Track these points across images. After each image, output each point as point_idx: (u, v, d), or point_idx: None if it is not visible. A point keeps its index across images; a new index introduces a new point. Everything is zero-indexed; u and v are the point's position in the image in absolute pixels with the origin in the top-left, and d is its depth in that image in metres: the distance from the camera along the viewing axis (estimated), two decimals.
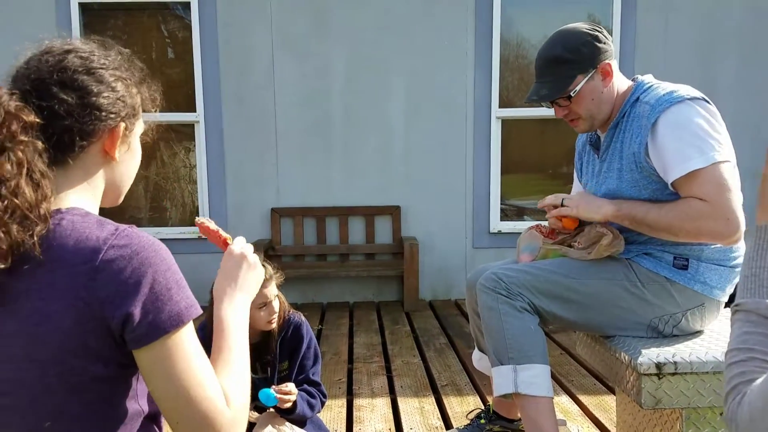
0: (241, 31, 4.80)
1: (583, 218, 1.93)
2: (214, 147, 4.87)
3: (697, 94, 1.81)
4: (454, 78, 4.87)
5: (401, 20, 4.83)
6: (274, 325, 1.99)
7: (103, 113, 1.00)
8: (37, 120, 0.93)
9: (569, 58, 1.87)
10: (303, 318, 2.11)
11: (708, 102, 1.81)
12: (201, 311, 0.97)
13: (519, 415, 2.23)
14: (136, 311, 0.90)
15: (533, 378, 1.89)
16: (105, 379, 0.94)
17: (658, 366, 1.69)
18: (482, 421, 2.31)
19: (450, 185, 4.95)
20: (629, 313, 1.90)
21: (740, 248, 1.89)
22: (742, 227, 1.74)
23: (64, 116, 0.96)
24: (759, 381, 0.79)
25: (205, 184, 4.89)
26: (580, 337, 2.19)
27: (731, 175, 1.73)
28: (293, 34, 4.82)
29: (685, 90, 1.82)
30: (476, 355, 2.34)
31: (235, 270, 1.17)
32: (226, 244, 1.24)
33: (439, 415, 2.72)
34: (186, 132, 4.95)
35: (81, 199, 1.00)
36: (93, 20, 4.88)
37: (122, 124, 1.03)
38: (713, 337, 1.88)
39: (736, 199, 1.73)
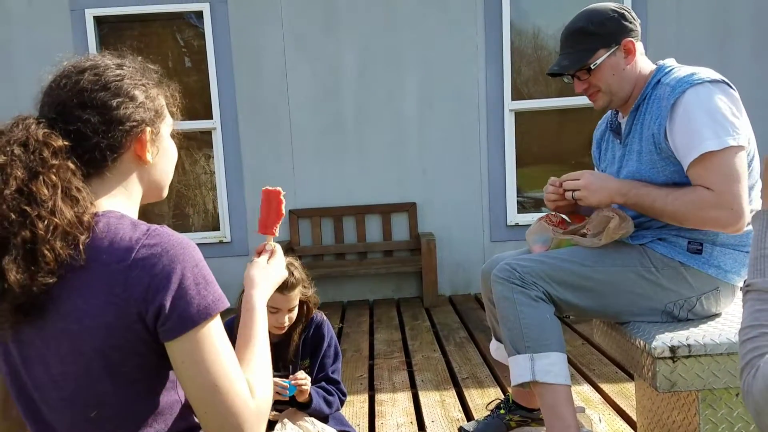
0: (253, 35, 4.86)
1: (594, 206, 1.95)
2: (232, 152, 4.95)
3: (718, 77, 1.81)
4: (466, 72, 4.88)
5: (410, 15, 4.86)
6: (282, 332, 2.02)
7: (127, 124, 1.05)
8: (66, 143, 1.01)
9: (593, 31, 1.89)
10: (324, 317, 2.15)
11: (730, 86, 1.80)
12: (228, 305, 1.02)
13: (538, 404, 2.25)
14: (167, 305, 0.96)
15: (550, 366, 1.90)
16: (145, 370, 1.01)
17: (672, 349, 1.70)
18: (502, 411, 2.33)
19: (465, 179, 4.96)
20: (644, 299, 1.91)
21: None
22: (746, 217, 1.75)
23: (90, 135, 1.03)
24: None
25: (224, 189, 4.97)
26: (597, 325, 2.20)
27: (742, 162, 1.74)
28: (304, 34, 4.86)
29: (706, 72, 1.81)
30: (494, 344, 2.36)
31: (275, 266, 1.30)
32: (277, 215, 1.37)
33: (460, 408, 2.75)
34: (205, 139, 5.03)
35: (118, 203, 1.07)
36: (109, 32, 4.98)
37: (148, 129, 1.08)
38: (727, 320, 1.88)
39: (743, 188, 1.73)
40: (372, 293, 5.08)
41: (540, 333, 1.91)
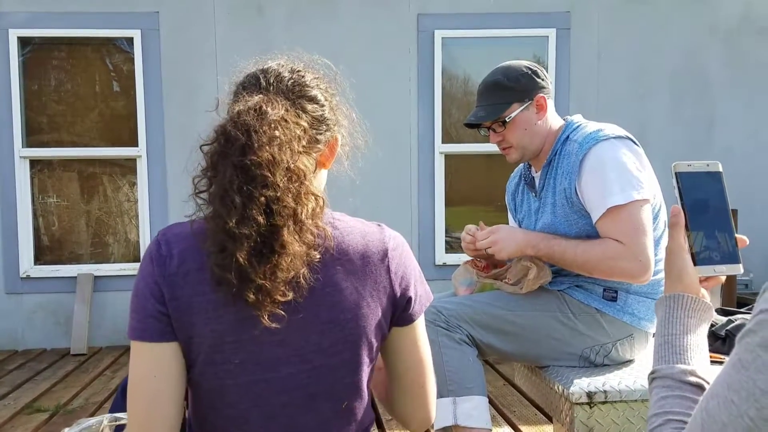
0: (186, 65, 4.79)
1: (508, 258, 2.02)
2: (157, 182, 4.81)
3: (623, 133, 1.91)
4: (399, 114, 4.97)
5: (346, 57, 4.91)
6: None
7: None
8: (306, 125, 1.05)
9: (508, 85, 1.97)
10: None
11: (634, 141, 1.90)
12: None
13: None
14: (412, 294, 1.08)
15: (472, 410, 1.92)
16: (373, 358, 1.06)
17: (589, 395, 1.75)
18: None
19: (396, 219, 4.99)
20: (562, 344, 1.96)
21: None
22: (652, 268, 1.83)
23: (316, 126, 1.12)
24: None
25: (147, 219, 4.81)
26: (518, 368, 2.24)
27: (647, 215, 1.82)
28: (238, 69, 4.83)
29: (611, 129, 1.91)
30: None
31: None
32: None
33: None
34: (129, 166, 4.88)
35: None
36: (34, 54, 4.80)
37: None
38: (642, 366, 1.95)
39: (650, 241, 1.82)
40: None
41: (463, 376, 1.92)
